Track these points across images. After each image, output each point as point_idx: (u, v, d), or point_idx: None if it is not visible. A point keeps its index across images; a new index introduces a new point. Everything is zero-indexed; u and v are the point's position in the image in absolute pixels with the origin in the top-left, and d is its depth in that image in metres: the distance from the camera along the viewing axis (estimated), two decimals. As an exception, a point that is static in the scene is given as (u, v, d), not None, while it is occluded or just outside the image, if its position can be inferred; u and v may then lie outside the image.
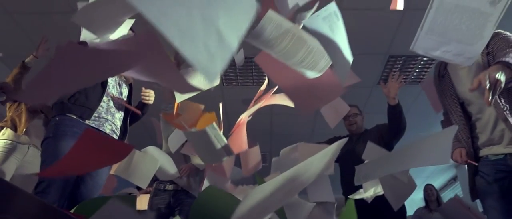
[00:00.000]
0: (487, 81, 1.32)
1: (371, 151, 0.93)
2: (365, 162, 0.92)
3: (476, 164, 1.80)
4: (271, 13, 0.84)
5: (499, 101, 1.64)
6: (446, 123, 2.08)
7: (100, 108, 1.85)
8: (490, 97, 1.35)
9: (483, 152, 1.83)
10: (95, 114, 1.80)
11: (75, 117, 1.76)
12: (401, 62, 4.08)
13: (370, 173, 0.87)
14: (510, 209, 1.75)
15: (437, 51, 1.10)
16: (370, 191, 2.12)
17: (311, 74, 0.92)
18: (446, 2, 1.01)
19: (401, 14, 3.43)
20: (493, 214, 1.75)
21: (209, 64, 0.57)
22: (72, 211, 0.98)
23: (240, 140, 1.84)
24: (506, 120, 1.66)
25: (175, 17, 0.56)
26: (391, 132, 2.74)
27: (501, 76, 1.32)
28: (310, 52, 0.87)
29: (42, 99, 0.90)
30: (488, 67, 1.70)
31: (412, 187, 0.96)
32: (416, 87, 4.47)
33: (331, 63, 0.91)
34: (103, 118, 1.87)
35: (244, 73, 4.28)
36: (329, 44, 0.91)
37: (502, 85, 1.38)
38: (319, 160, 0.71)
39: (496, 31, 1.77)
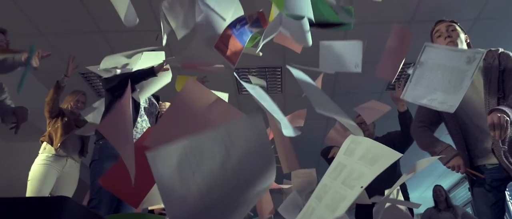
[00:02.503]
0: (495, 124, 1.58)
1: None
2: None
3: (482, 176, 1.88)
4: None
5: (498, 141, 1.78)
6: (423, 131, 2.10)
7: (136, 129, 2.10)
8: (500, 135, 1.59)
9: (481, 161, 1.93)
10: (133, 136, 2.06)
11: (116, 140, 2.01)
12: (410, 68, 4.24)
13: (380, 207, 1.08)
14: (501, 217, 1.92)
15: (424, 100, 1.31)
16: None
17: (285, 132, 1.12)
18: (429, 62, 1.23)
19: (408, 26, 3.61)
20: None
21: None
22: None
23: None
24: (501, 157, 1.79)
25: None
26: (403, 137, 2.90)
27: (504, 115, 1.58)
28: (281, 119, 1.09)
29: (112, 139, 1.08)
30: (498, 79, 1.86)
31: None
32: (424, 92, 4.60)
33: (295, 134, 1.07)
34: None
35: (259, 81, 4.51)
36: (311, 88, 1.13)
37: (508, 121, 1.61)
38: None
39: (507, 52, 1.93)
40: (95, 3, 3.35)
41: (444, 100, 1.25)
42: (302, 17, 1.16)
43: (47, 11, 3.42)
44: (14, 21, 3.44)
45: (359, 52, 1.43)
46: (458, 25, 2.08)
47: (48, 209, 0.83)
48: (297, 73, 1.06)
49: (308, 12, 1.20)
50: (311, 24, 1.26)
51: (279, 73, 4.34)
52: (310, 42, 1.25)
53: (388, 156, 0.92)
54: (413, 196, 7.77)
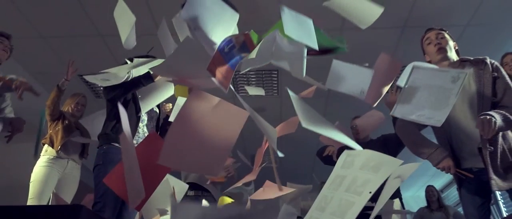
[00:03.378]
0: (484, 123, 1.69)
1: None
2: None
3: (471, 176, 1.93)
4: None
5: (486, 142, 1.86)
6: (410, 129, 2.11)
7: (138, 134, 2.18)
8: (488, 132, 1.70)
9: (467, 164, 1.99)
10: (134, 141, 2.13)
11: (119, 145, 2.08)
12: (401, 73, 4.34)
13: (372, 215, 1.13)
14: (487, 218, 2.01)
15: (413, 115, 1.40)
16: None
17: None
18: (417, 82, 1.32)
19: (400, 31, 3.70)
20: None
21: None
22: None
23: None
24: (486, 157, 1.86)
25: None
26: (398, 140, 2.98)
27: (492, 118, 1.69)
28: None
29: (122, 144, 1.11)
30: (491, 83, 1.95)
31: None
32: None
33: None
34: None
35: (256, 83, 4.59)
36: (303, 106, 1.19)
37: (496, 123, 1.72)
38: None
39: (494, 61, 2.01)
40: (94, 7, 3.41)
41: (431, 116, 1.34)
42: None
43: (47, 15, 3.47)
44: (15, 24, 3.49)
45: (368, 79, 1.47)
46: (447, 33, 2.17)
47: (64, 217, 0.90)
48: (292, 94, 1.11)
49: (311, 40, 1.21)
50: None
51: (275, 76, 4.42)
52: (304, 74, 1.26)
53: (390, 163, 0.95)
54: (407, 196, 7.92)
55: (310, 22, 1.28)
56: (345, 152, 1.08)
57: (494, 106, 1.93)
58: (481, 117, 1.75)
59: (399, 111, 1.39)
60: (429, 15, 3.42)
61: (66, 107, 3.35)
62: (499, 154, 1.85)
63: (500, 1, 3.35)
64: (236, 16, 1.33)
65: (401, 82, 1.47)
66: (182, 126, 1.01)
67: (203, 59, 1.19)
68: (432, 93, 1.33)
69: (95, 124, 3.04)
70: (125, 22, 1.53)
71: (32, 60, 4.05)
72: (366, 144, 3.20)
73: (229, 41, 1.21)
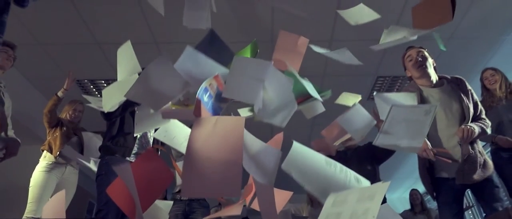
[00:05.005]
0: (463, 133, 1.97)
1: None
2: None
3: (449, 161, 2.04)
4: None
5: (467, 146, 2.06)
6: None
7: (137, 145, 2.29)
8: (466, 141, 1.98)
9: (443, 174, 2.14)
10: (133, 152, 2.26)
11: (119, 156, 2.21)
12: (388, 81, 4.52)
13: None
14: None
15: (393, 145, 1.57)
16: None
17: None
18: (395, 118, 1.50)
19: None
20: None
21: None
22: None
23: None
24: (464, 152, 2.05)
25: None
26: (386, 151, 3.12)
27: (471, 128, 1.98)
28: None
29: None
30: (470, 98, 2.17)
31: None
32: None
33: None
34: (140, 154, 2.30)
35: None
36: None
37: (475, 132, 1.99)
38: None
39: (470, 89, 2.23)
40: (91, 15, 3.49)
41: (408, 144, 1.53)
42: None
43: (45, 22, 3.54)
44: (13, 32, 3.55)
45: (369, 127, 1.60)
46: (426, 51, 2.36)
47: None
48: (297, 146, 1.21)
49: (311, 89, 1.32)
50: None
51: (267, 83, 4.54)
52: (284, 125, 1.29)
53: (380, 188, 1.01)
54: (393, 197, 8.13)
55: (310, 84, 1.42)
56: (333, 194, 1.13)
57: (473, 118, 2.14)
58: (463, 126, 2.00)
59: (381, 141, 1.57)
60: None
61: (64, 114, 3.45)
62: (478, 157, 2.06)
63: (479, 17, 3.54)
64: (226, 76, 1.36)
65: (382, 118, 1.63)
66: (193, 155, 1.04)
67: (174, 81, 1.19)
68: (409, 126, 1.51)
69: (89, 144, 3.18)
70: (127, 65, 1.49)
71: (29, 66, 4.11)
72: (354, 150, 3.34)
73: (205, 89, 1.23)
